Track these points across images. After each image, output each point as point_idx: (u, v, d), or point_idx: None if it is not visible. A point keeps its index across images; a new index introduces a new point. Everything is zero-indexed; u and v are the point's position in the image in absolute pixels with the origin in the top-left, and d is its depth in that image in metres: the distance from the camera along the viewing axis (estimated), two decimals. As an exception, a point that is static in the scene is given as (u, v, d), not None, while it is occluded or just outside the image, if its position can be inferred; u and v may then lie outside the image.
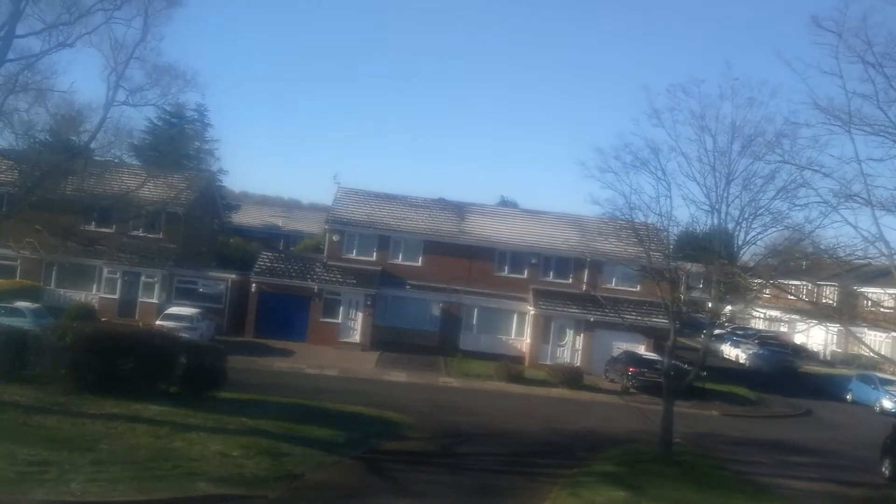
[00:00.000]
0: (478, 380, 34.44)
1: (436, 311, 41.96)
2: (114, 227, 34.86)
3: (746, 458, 23.75)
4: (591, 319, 39.82)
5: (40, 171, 22.46)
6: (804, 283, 25.24)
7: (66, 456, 15.19)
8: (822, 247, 20.30)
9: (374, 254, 42.72)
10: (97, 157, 25.02)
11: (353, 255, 42.63)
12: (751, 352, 49.80)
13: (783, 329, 53.30)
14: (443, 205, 47.32)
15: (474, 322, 41.76)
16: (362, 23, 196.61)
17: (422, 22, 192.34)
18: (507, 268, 43.00)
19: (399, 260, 42.80)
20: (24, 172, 23.15)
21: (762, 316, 37.20)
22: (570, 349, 40.34)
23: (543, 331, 40.35)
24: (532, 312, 40.63)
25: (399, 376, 33.74)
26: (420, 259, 42.77)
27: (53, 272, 40.15)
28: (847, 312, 20.36)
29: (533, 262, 42.82)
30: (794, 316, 37.81)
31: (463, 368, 36.27)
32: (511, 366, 35.36)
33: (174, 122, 60.40)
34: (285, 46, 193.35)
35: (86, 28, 21.66)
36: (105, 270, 40.03)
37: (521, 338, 41.48)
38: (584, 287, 41.62)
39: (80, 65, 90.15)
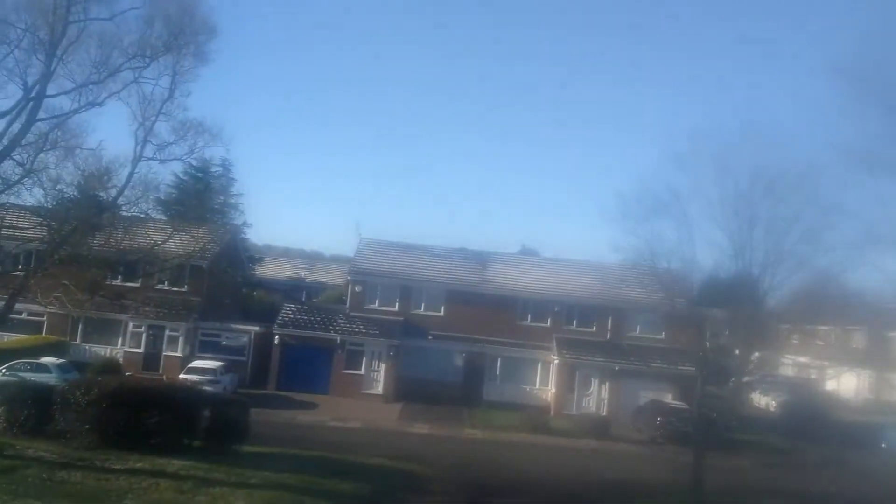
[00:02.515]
0: (502, 431, 33.98)
1: (458, 361, 41.68)
2: (139, 281, 35.11)
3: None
4: (617, 368, 39.35)
5: (68, 227, 22.72)
6: (832, 328, 24.88)
7: (90, 512, 15.12)
8: (849, 291, 20.13)
9: (397, 304, 42.74)
10: (124, 212, 25.27)
11: (376, 306, 42.67)
12: (781, 399, 48.72)
13: (813, 376, 52.17)
14: (464, 254, 47.43)
15: (498, 372, 41.37)
16: (379, 72, 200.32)
17: (438, 71, 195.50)
18: (529, 316, 42.74)
19: (421, 310, 42.75)
20: (52, 229, 23.41)
21: (791, 363, 36.60)
22: (596, 398, 39.82)
23: (568, 380, 39.90)
24: (556, 361, 40.24)
25: (422, 428, 33.42)
26: (442, 308, 42.69)
27: (80, 327, 40.49)
28: (878, 357, 20.01)
29: (556, 310, 42.56)
30: (823, 362, 37.15)
31: (487, 419, 35.85)
32: (536, 416, 34.92)
33: (199, 177, 61.41)
34: (309, 97, 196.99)
35: (115, 86, 22.07)
36: (130, 325, 40.36)
37: (545, 387, 41.00)
38: (609, 335, 41.23)
39: (108, 119, 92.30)
